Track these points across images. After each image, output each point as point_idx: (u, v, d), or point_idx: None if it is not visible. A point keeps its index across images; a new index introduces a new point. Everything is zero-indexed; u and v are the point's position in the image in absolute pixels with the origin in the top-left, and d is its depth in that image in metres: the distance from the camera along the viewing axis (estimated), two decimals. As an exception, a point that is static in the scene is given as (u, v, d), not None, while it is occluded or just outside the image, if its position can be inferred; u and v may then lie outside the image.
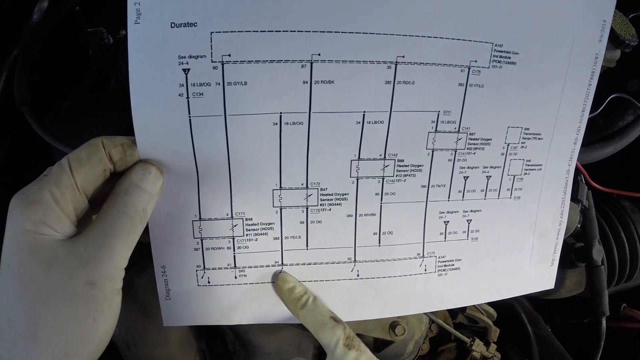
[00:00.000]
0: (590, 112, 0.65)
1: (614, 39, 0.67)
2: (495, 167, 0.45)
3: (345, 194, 0.41)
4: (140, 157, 0.36)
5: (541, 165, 0.47)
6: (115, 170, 0.36)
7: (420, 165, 0.42)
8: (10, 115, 0.54)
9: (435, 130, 0.41)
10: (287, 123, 0.37)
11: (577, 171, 0.61)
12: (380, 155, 0.40)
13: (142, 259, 0.43)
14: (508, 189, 0.46)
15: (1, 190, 0.56)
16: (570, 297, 0.67)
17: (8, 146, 0.60)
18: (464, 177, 0.44)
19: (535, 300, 0.75)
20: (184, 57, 0.34)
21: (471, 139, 0.43)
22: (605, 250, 0.67)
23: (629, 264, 0.68)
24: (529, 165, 0.47)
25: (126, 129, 0.42)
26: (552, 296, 0.67)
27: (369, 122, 0.39)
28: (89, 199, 0.35)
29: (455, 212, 0.45)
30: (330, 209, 0.42)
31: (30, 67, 0.54)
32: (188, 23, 0.33)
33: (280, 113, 0.37)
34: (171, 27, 0.33)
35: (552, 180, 0.49)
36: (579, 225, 0.59)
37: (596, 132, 0.69)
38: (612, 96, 0.66)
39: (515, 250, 0.49)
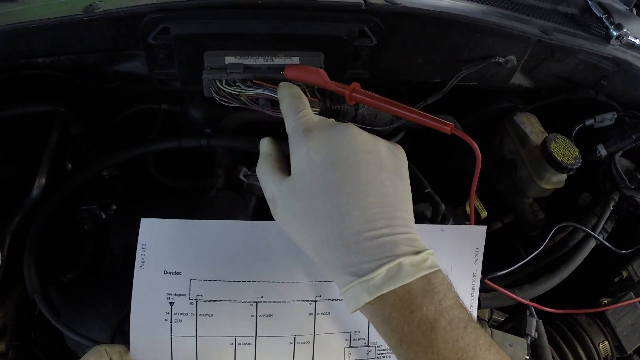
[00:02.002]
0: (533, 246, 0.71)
1: (557, 166, 0.73)
2: None
3: None
4: None
5: None
6: None
7: None
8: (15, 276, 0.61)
9: (350, 346, 0.52)
10: (240, 344, 0.49)
11: (526, 306, 0.67)
12: None
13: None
14: None
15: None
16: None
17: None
18: None
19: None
20: (171, 295, 0.48)
21: (379, 350, 0.53)
22: (565, 367, 0.72)
23: (589, 378, 0.72)
24: None
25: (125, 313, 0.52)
26: None
27: (299, 342, 0.50)
28: None
29: None
30: None
31: (38, 255, 0.61)
32: (175, 272, 0.48)
33: (235, 337, 0.49)
34: (163, 273, 0.47)
35: None
36: (528, 358, 0.64)
37: (550, 254, 0.74)
38: (557, 227, 0.71)
39: None
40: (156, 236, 0.47)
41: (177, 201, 0.65)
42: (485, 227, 0.56)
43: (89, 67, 0.64)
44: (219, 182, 0.63)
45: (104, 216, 0.66)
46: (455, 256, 0.55)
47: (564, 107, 0.82)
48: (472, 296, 0.57)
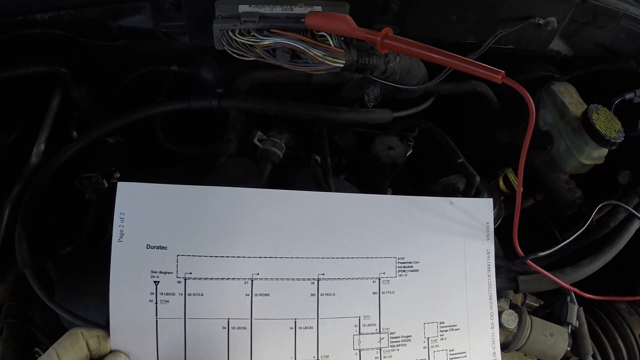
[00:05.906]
0: (577, 224, 0.61)
1: (599, 140, 0.62)
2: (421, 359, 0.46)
3: None
4: (112, 349, 0.40)
5: (465, 352, 0.48)
6: (92, 358, 0.38)
7: None
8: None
9: (359, 332, 0.44)
10: (234, 328, 0.41)
11: (567, 291, 0.57)
12: (314, 357, 0.42)
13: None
14: None
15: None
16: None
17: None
18: None
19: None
20: (155, 272, 0.40)
21: (392, 337, 0.45)
22: (604, 358, 0.62)
23: (628, 369, 0.62)
24: (453, 355, 0.47)
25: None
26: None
27: (300, 327, 0.42)
28: None
29: None
30: None
31: (30, 226, 0.52)
32: (160, 246, 0.40)
33: (228, 319, 0.41)
34: (147, 247, 0.40)
35: None
36: (568, 349, 0.54)
37: (589, 235, 0.64)
38: (600, 205, 0.61)
39: None
40: (137, 204, 0.40)
41: (186, 169, 0.56)
42: (491, 199, 0.50)
43: (90, 23, 0.55)
44: (232, 147, 0.54)
45: (106, 185, 0.57)
46: (467, 231, 0.49)
47: (601, 79, 0.72)
48: (489, 276, 0.50)
